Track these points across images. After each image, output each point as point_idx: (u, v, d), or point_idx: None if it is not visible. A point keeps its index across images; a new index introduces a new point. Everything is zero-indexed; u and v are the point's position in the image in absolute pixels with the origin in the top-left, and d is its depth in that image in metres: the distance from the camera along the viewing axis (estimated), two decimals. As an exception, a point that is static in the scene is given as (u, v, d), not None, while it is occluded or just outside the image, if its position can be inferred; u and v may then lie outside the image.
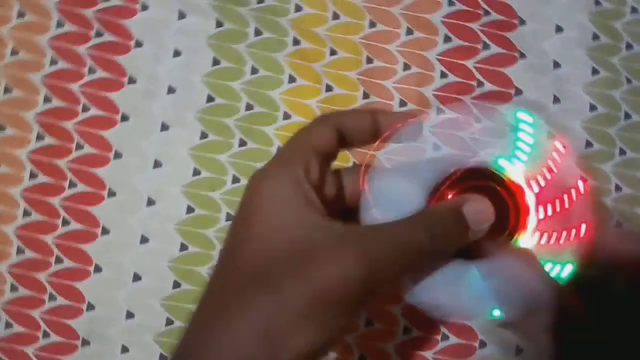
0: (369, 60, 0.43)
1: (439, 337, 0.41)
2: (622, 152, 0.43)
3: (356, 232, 0.25)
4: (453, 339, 0.41)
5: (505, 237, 0.29)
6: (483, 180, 0.29)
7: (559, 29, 0.43)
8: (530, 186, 0.29)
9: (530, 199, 0.29)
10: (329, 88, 0.43)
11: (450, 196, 0.29)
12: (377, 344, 0.41)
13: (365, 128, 0.28)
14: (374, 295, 0.24)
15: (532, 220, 0.29)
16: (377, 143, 0.28)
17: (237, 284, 0.23)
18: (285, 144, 0.27)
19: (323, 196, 0.26)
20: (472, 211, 0.26)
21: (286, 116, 0.42)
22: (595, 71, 0.43)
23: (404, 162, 0.29)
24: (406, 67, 0.43)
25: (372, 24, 0.43)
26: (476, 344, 0.41)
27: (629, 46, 0.44)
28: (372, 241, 0.24)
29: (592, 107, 0.43)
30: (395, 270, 0.24)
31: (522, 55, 0.43)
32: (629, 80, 0.43)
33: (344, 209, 0.29)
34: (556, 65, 0.43)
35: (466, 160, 0.29)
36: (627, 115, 0.43)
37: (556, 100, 0.43)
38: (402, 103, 0.43)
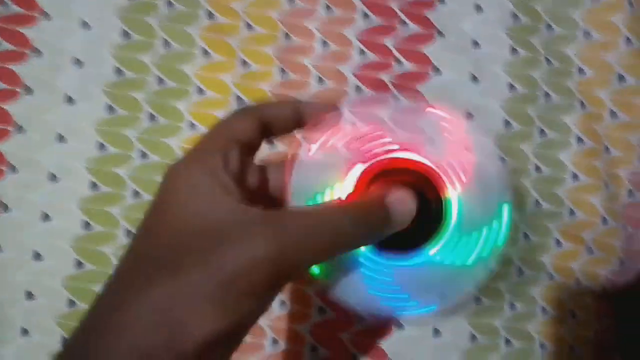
0: (287, 37, 0.42)
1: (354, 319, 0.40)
2: (542, 132, 0.43)
3: (271, 214, 0.23)
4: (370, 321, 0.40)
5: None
6: (402, 173, 0.28)
7: (478, 9, 0.43)
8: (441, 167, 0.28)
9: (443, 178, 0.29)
10: (244, 63, 0.41)
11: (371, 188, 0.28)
12: (292, 326, 0.40)
13: (288, 118, 0.28)
14: (287, 278, 0.23)
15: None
16: (301, 134, 0.28)
17: (142, 270, 0.22)
18: (204, 135, 0.26)
19: (244, 187, 0.25)
20: (394, 201, 0.26)
21: (199, 91, 0.41)
22: (514, 51, 0.43)
23: (326, 153, 0.28)
24: (324, 44, 0.42)
25: (290, 1, 0.42)
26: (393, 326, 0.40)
27: (549, 27, 0.43)
28: (285, 221, 0.22)
29: (512, 87, 0.43)
30: (310, 253, 0.23)
31: (441, 34, 0.43)
32: (548, 61, 0.43)
33: (269, 203, 0.27)
34: (475, 45, 0.43)
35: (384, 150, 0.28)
36: (547, 95, 0.43)
37: (475, 79, 0.42)
38: (320, 80, 0.42)
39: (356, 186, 0.28)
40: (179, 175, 0.24)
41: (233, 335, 0.22)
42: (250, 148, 0.27)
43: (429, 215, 0.28)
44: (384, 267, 0.27)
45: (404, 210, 0.26)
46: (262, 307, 0.23)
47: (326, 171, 0.28)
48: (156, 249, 0.22)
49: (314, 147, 0.28)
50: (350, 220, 0.24)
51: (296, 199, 0.27)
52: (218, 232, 0.22)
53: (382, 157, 0.28)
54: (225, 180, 0.24)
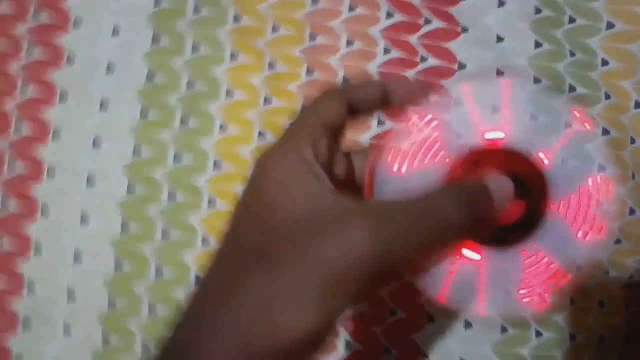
0: (312, 37, 0.43)
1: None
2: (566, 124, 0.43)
3: (370, 205, 0.23)
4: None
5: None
6: (501, 162, 0.26)
7: (501, 3, 0.43)
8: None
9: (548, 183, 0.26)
10: (271, 65, 0.42)
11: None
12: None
13: (376, 99, 0.26)
14: (390, 274, 0.22)
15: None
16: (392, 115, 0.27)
17: (238, 264, 0.21)
18: (292, 121, 0.24)
19: (333, 176, 0.24)
20: (494, 185, 0.24)
21: (229, 93, 0.42)
22: (538, 44, 0.43)
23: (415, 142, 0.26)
24: (349, 43, 0.43)
25: (314, 1, 0.43)
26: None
27: (571, 20, 0.44)
28: (388, 211, 0.21)
29: (536, 80, 0.43)
30: (414, 244, 0.21)
31: (465, 30, 0.43)
32: (572, 53, 0.43)
33: (355, 192, 0.26)
34: (499, 39, 0.43)
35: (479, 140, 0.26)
36: (571, 88, 0.43)
37: (499, 73, 0.43)
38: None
39: (450, 175, 0.26)
40: (276, 164, 0.23)
41: (324, 333, 0.21)
42: (337, 132, 0.25)
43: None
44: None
45: (502, 186, 0.24)
46: (356, 303, 0.22)
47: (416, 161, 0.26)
48: (256, 238, 0.21)
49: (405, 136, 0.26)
50: (456, 203, 0.22)
51: (382, 190, 0.25)
52: (317, 224, 0.21)
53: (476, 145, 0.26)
54: (317, 170, 0.23)
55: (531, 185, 0.25)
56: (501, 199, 0.24)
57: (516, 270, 0.25)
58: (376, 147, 0.26)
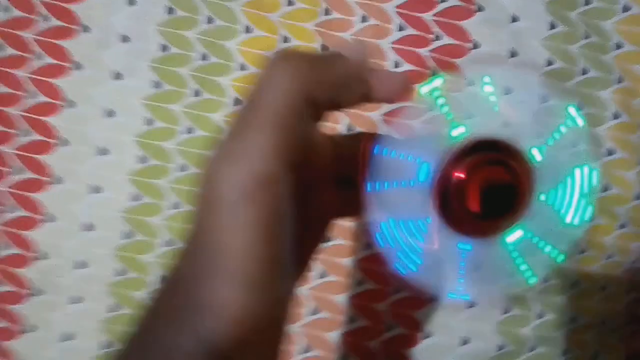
0: (327, 12, 0.42)
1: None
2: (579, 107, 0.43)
3: None
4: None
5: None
6: (495, 153, 0.25)
7: (517, -17, 0.43)
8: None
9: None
10: (285, 39, 0.42)
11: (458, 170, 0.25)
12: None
13: (356, 92, 0.23)
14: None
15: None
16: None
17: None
18: (248, 110, 0.20)
19: (311, 168, 0.23)
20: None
21: (242, 67, 0.42)
22: (552, 25, 0.43)
23: (410, 131, 0.26)
24: (364, 19, 0.43)
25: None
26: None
27: (587, 1, 0.43)
28: None
29: (550, 62, 0.43)
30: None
31: (480, 9, 0.43)
32: (586, 35, 0.43)
33: (340, 177, 0.26)
34: (514, 19, 0.43)
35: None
36: (584, 71, 0.43)
37: (513, 54, 0.43)
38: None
39: (444, 168, 0.25)
40: (219, 184, 0.19)
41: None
42: (316, 115, 0.22)
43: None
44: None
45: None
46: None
47: (413, 150, 0.25)
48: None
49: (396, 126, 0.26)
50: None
51: (380, 179, 0.24)
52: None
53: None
54: (277, 202, 0.19)
55: (518, 176, 0.25)
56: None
57: (498, 258, 0.26)
58: (368, 132, 0.26)
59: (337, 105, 0.23)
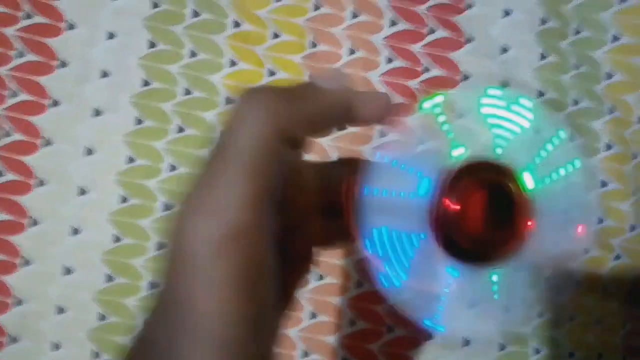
0: (314, 44, 0.41)
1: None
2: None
3: None
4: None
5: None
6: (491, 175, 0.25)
7: (506, 13, 0.43)
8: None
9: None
10: (271, 72, 0.41)
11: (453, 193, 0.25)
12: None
13: (338, 115, 0.23)
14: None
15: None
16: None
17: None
18: (216, 156, 0.19)
19: (295, 201, 0.22)
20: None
21: (228, 101, 0.41)
22: (543, 56, 0.42)
23: (400, 155, 0.25)
24: (352, 51, 0.42)
25: (317, 7, 0.42)
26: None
27: (577, 31, 0.43)
28: None
29: (541, 93, 0.42)
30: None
31: (470, 40, 0.42)
32: (577, 66, 0.43)
33: (326, 206, 0.25)
34: (504, 49, 0.42)
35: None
36: (575, 101, 0.43)
37: (505, 85, 0.42)
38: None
39: (444, 186, 0.24)
40: (191, 260, 0.18)
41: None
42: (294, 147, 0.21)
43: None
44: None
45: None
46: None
47: (405, 176, 0.24)
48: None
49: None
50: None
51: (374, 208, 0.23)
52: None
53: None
54: (260, 261, 0.19)
55: (515, 205, 0.24)
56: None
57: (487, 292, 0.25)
58: (352, 159, 0.25)
59: (317, 131, 0.22)
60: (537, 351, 0.42)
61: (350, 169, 0.24)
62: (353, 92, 0.22)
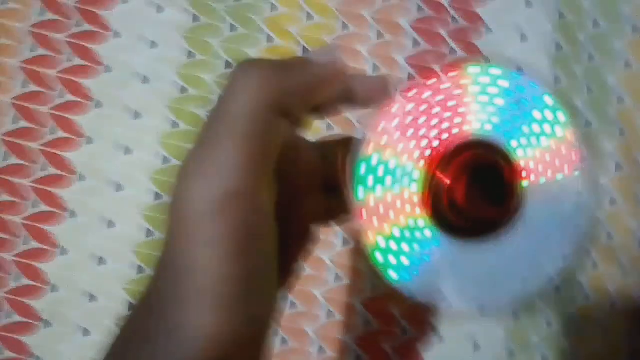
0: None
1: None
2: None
3: None
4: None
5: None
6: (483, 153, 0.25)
7: (523, 37, 0.45)
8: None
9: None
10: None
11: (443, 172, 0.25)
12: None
13: (339, 98, 0.23)
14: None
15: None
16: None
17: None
18: (214, 126, 0.20)
19: (296, 175, 0.23)
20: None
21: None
22: (557, 79, 0.45)
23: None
24: (376, 68, 0.44)
25: (345, 26, 0.44)
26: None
27: (591, 57, 0.45)
28: None
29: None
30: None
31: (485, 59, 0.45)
32: (589, 89, 0.45)
33: (327, 183, 0.25)
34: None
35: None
36: (588, 123, 0.45)
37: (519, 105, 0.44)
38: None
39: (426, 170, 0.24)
40: (189, 220, 0.19)
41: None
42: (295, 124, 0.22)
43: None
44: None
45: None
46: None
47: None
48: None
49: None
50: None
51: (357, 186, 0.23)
52: None
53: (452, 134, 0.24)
54: (257, 224, 0.19)
55: (506, 183, 0.24)
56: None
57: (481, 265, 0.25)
58: (349, 138, 0.24)
59: (316, 111, 0.23)
60: (545, 357, 0.43)
61: (347, 145, 0.24)
62: (353, 75, 0.23)
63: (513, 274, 0.24)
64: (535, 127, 0.24)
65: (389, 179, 0.24)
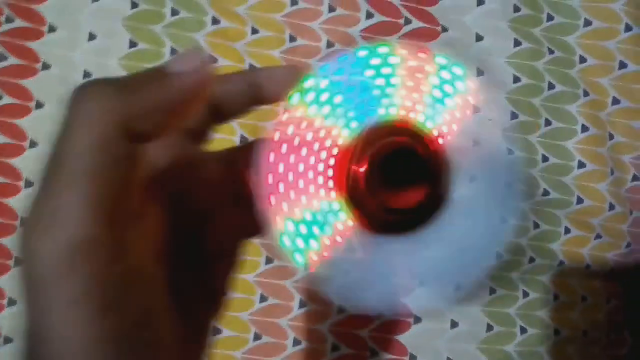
0: (292, 39, 0.42)
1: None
2: (548, 122, 0.43)
3: None
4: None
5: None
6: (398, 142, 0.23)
7: (480, 2, 0.43)
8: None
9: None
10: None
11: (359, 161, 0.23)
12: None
13: (244, 95, 0.21)
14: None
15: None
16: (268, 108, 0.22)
17: None
18: (54, 159, 0.17)
19: (195, 194, 0.21)
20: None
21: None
22: (517, 42, 0.43)
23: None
24: (329, 44, 0.43)
25: (294, 1, 0.42)
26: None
27: (550, 17, 0.44)
28: None
29: (516, 79, 0.43)
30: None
31: (444, 29, 0.43)
32: (551, 51, 0.44)
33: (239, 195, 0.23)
34: (478, 38, 0.43)
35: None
36: (551, 86, 0.44)
37: (480, 73, 0.43)
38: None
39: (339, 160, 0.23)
40: (40, 282, 0.16)
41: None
42: (195, 137, 0.21)
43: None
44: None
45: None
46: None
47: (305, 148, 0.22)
48: None
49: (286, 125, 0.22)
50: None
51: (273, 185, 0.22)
52: None
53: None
54: (120, 272, 0.17)
55: (434, 169, 0.23)
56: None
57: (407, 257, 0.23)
58: (253, 142, 0.22)
59: (219, 116, 0.21)
60: (523, 330, 0.42)
61: (250, 152, 0.21)
62: (258, 69, 0.21)
63: (451, 261, 0.23)
64: (436, 93, 0.22)
65: (315, 229, 0.22)
